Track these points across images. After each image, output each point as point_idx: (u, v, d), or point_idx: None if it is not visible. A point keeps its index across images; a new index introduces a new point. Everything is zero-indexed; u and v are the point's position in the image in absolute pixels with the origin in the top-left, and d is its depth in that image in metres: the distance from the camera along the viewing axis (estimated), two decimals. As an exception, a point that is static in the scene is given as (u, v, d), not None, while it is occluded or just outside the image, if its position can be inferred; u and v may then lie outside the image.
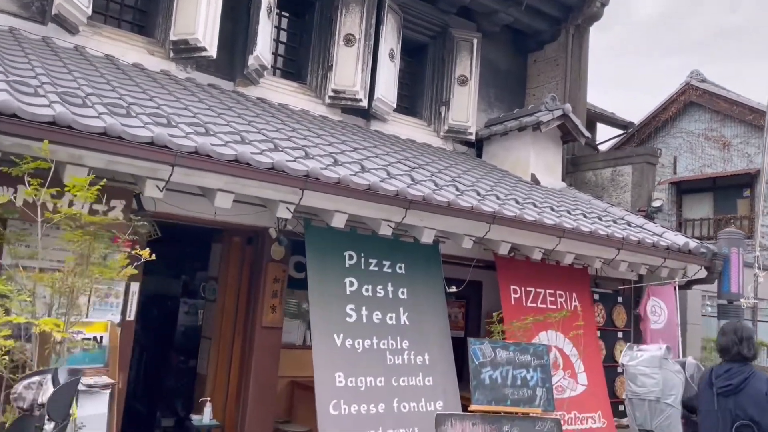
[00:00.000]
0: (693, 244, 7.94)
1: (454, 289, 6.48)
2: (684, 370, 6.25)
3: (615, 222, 7.90)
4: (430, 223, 5.78)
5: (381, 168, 5.89)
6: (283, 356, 6.30)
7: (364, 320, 5.49)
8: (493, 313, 5.94)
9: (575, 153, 10.18)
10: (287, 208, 4.86)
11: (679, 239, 7.91)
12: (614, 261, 7.48)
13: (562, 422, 6.71)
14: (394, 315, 5.71)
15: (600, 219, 7.75)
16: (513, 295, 6.84)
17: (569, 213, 7.39)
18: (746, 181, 16.59)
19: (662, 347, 5.85)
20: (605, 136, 17.28)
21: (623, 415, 7.46)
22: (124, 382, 4.74)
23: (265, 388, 5.42)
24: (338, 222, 5.21)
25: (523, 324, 5.91)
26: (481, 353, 4.63)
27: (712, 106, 17.35)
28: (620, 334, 8.36)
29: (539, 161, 9.32)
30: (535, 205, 7.05)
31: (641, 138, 19.04)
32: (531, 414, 4.57)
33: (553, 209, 7.22)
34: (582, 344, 7.26)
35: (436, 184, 6.20)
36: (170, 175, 4.12)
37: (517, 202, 6.87)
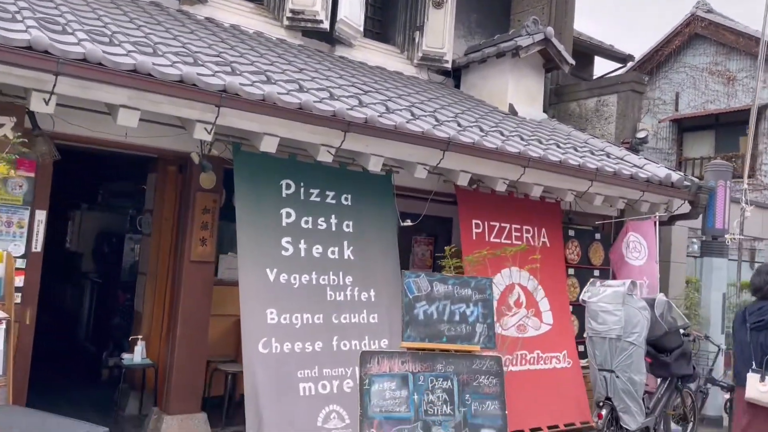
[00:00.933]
0: (676, 176, 7.43)
1: (409, 222, 6.04)
2: (653, 308, 5.87)
3: (592, 153, 7.37)
4: (376, 150, 5.29)
5: (323, 89, 5.37)
6: (228, 294, 5.96)
7: (302, 254, 5.09)
8: (445, 248, 5.51)
9: (560, 82, 9.54)
10: (205, 128, 4.38)
11: (660, 171, 7.39)
12: (588, 194, 7.00)
13: (522, 361, 6.43)
14: (336, 249, 5.30)
15: (576, 150, 7.22)
16: (475, 230, 6.41)
17: (540, 143, 6.86)
18: (749, 117, 15.83)
19: (626, 283, 5.44)
20: (604, 70, 16.46)
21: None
22: (33, 317, 4.39)
23: (195, 326, 5.07)
24: (268, 146, 4.74)
25: (475, 257, 5.48)
26: (416, 287, 4.23)
27: (717, 38, 16.44)
28: (597, 273, 7.95)
29: (518, 90, 8.71)
30: (502, 134, 6.53)
31: (643, 74, 18.19)
32: (469, 351, 4.19)
33: (522, 138, 6.69)
34: (549, 282, 6.87)
35: (387, 109, 5.68)
36: (54, 86, 3.64)
37: (481, 130, 6.35)
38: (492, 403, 4.15)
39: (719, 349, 6.99)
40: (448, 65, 9.08)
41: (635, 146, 8.19)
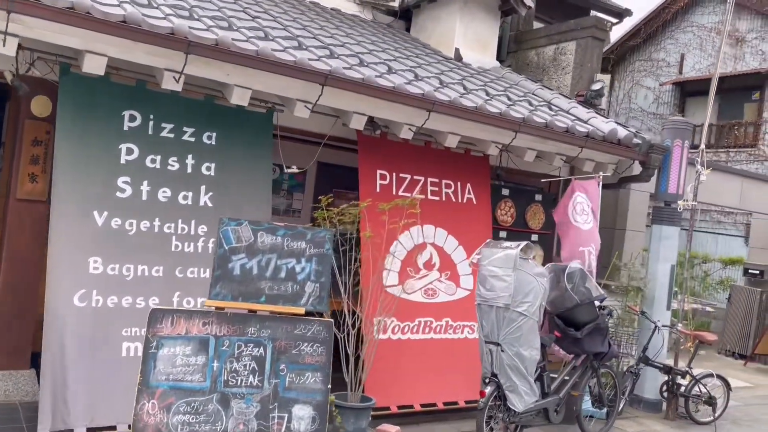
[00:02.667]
0: (623, 132, 6.61)
1: (295, 168, 5.39)
2: (563, 276, 5.18)
3: (530, 104, 6.57)
4: (241, 81, 4.60)
5: (182, 8, 4.66)
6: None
7: (144, 197, 4.47)
8: (320, 197, 4.85)
9: (521, 28, 8.66)
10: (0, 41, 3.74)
11: (605, 126, 6.57)
12: (518, 148, 6.26)
13: (426, 329, 5.80)
14: (190, 194, 4.66)
15: (509, 98, 6.44)
16: (380, 182, 5.71)
17: (465, 89, 6.09)
18: (757, 83, 14.71)
19: (520, 244, 4.73)
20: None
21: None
22: None
23: (21, 272, 4.52)
24: (92, 67, 4.08)
25: (344, 208, 4.81)
26: (235, 236, 3.59)
27: (728, -6, 15.16)
28: (535, 237, 7.23)
29: (468, 34, 7.88)
30: (417, 76, 5.77)
31: (647, 33, 17.03)
32: (293, 314, 3.57)
33: (442, 83, 5.94)
34: (472, 244, 6.17)
35: (266, 36, 4.97)
36: None
37: (390, 69, 5.61)
38: (313, 375, 3.53)
39: (655, 327, 6.27)
40: (395, 3, 8.28)
41: (590, 99, 7.35)
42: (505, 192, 6.94)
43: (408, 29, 8.61)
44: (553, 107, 6.85)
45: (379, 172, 5.72)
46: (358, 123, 5.26)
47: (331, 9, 7.82)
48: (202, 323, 3.41)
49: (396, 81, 5.19)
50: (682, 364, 6.69)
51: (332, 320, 3.65)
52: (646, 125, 17.12)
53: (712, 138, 15.56)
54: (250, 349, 3.45)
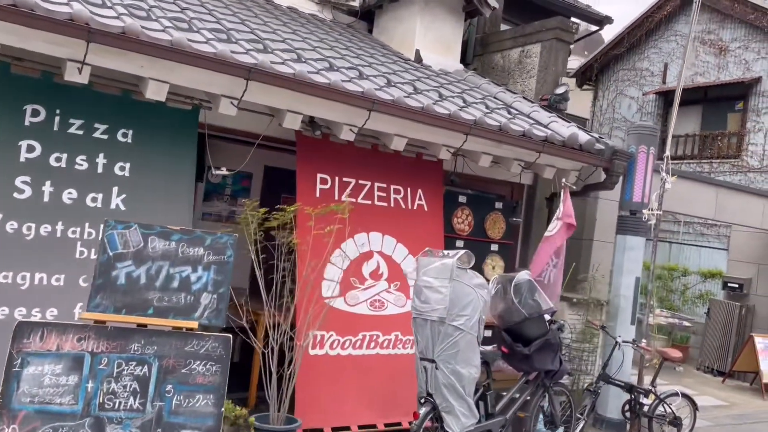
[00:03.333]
0: (584, 137, 6.28)
1: (224, 171, 5.03)
2: (509, 288, 4.82)
3: (487, 107, 6.25)
4: (157, 74, 4.26)
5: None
6: None
7: (46, 198, 4.11)
8: (245, 200, 4.50)
9: (487, 31, 8.36)
10: None
11: (566, 131, 6.25)
12: (473, 153, 5.93)
13: (371, 344, 5.43)
14: (100, 196, 4.30)
15: (464, 100, 6.11)
16: (320, 186, 5.36)
17: (415, 89, 5.76)
18: (740, 92, 14.43)
19: (458, 253, 4.37)
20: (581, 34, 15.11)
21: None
22: None
23: None
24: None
25: (268, 212, 4.44)
26: (121, 241, 3.23)
27: (712, 3, 14.92)
28: (495, 247, 6.88)
29: (429, 35, 7.57)
30: (362, 75, 5.44)
31: (631, 42, 16.78)
32: (185, 328, 3.21)
33: (389, 82, 5.61)
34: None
35: (191, 27, 4.63)
36: None
37: (331, 66, 5.27)
38: (205, 397, 3.16)
39: (616, 343, 5.91)
40: (356, 2, 7.97)
41: (554, 103, 7.03)
42: (462, 199, 6.60)
43: (371, 31, 8.30)
44: (512, 111, 6.52)
45: (319, 175, 5.37)
46: (292, 122, 4.91)
47: (287, 7, 7.51)
48: (77, 338, 3.04)
49: (333, 78, 4.85)
50: (662, 383, 6.33)
51: (230, 335, 3.28)
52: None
53: (695, 149, 15.29)
54: (131, 367, 3.08)
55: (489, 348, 4.98)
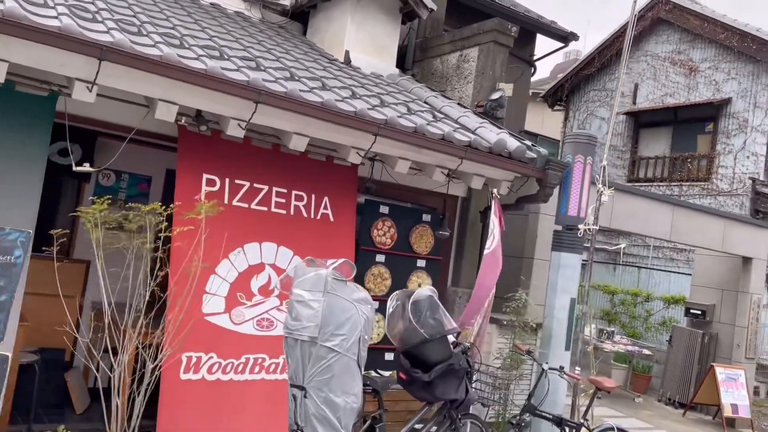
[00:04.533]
0: (515, 144, 5.76)
1: (87, 167, 4.45)
2: (407, 306, 4.25)
3: (409, 109, 5.74)
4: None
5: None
6: None
7: None
8: (92, 198, 3.92)
9: (428, 35, 7.90)
10: None
11: (493, 136, 5.73)
12: (389, 157, 5.41)
13: (256, 368, 4.83)
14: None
15: (382, 101, 5.60)
16: (207, 188, 4.80)
17: (323, 86, 5.24)
18: (710, 114, 14.08)
19: (336, 262, 3.80)
20: (548, 49, 14.76)
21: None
22: None
23: None
24: None
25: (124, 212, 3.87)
26: None
27: (682, 23, 14.68)
28: (422, 263, 6.32)
29: (361, 36, 7.09)
30: (259, 66, 4.93)
31: (602, 62, 16.48)
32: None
33: (292, 76, 5.09)
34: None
35: (45, 2, 4.10)
36: None
37: (222, 55, 4.75)
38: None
39: (543, 371, 5.32)
40: (287, 2, 7.51)
41: (489, 110, 6.53)
42: (384, 210, 6.05)
43: (306, 32, 7.83)
44: (437, 115, 6.02)
45: (206, 176, 4.81)
46: (167, 114, 4.35)
47: (210, 4, 7.03)
48: None
49: (213, 64, 4.32)
50: (617, 416, 5.73)
51: (8, 354, 2.69)
52: (599, 156, 16.44)
53: (665, 171, 14.89)
54: None
55: (387, 374, 4.39)
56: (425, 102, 6.47)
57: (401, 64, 7.86)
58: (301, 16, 7.80)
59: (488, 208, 6.41)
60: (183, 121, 4.65)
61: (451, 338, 4.44)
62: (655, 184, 14.86)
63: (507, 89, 6.66)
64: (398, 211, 6.13)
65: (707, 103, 13.95)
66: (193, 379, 4.44)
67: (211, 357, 4.54)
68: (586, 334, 10.26)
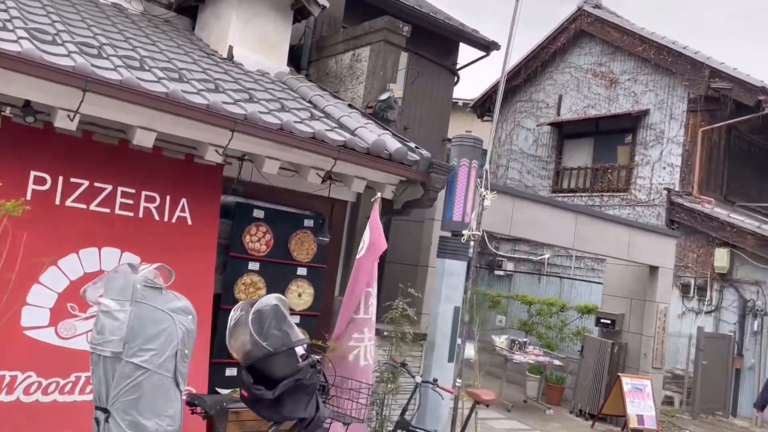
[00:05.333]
0: (395, 145, 5.47)
1: None
2: (248, 316, 3.86)
3: (284, 106, 5.39)
4: None
5: None
6: None
7: None
8: None
9: (324, 34, 7.58)
10: None
11: (371, 137, 5.43)
12: (257, 157, 5.03)
13: (87, 387, 4.33)
14: None
15: (252, 97, 5.23)
16: (34, 186, 4.31)
17: (180, 78, 4.83)
18: (629, 125, 14.25)
19: (149, 267, 3.38)
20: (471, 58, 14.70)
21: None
22: None
23: None
24: None
25: None
26: None
27: (603, 36, 14.87)
28: (302, 271, 5.94)
29: (247, 33, 6.71)
30: (101, 54, 4.48)
31: (528, 73, 16.57)
32: None
33: (143, 66, 4.66)
34: (183, 276, 4.81)
35: None
36: None
37: (54, 41, 4.29)
38: None
39: (416, 386, 5.00)
40: (172, -4, 7.08)
41: (379, 111, 6.24)
42: (259, 214, 5.65)
43: (195, 28, 7.40)
44: (317, 114, 5.69)
45: (34, 173, 4.33)
46: (-21, 102, 3.88)
47: (85, -5, 6.54)
48: None
49: (26, 46, 3.86)
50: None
51: None
52: (525, 167, 16.50)
53: (587, 181, 14.99)
54: None
55: (226, 392, 3.98)
56: (309, 101, 6.13)
57: (297, 63, 7.53)
58: (189, 11, 7.37)
59: (387, 212, 6.11)
60: (8, 111, 4.17)
61: (300, 350, 4.07)
62: (578, 194, 14.93)
63: (397, 90, 6.39)
64: (275, 216, 5.74)
65: (626, 115, 14.12)
66: (5, 401, 3.92)
67: (30, 376, 4.03)
68: (497, 344, 10.08)
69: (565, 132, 15.73)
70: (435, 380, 5.08)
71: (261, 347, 3.88)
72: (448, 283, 5.68)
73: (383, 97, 6.23)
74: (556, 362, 9.83)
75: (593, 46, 15.37)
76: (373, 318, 5.39)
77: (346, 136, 5.28)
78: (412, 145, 5.73)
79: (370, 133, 5.51)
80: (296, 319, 5.87)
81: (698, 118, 12.95)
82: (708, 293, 11.99)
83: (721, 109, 12.52)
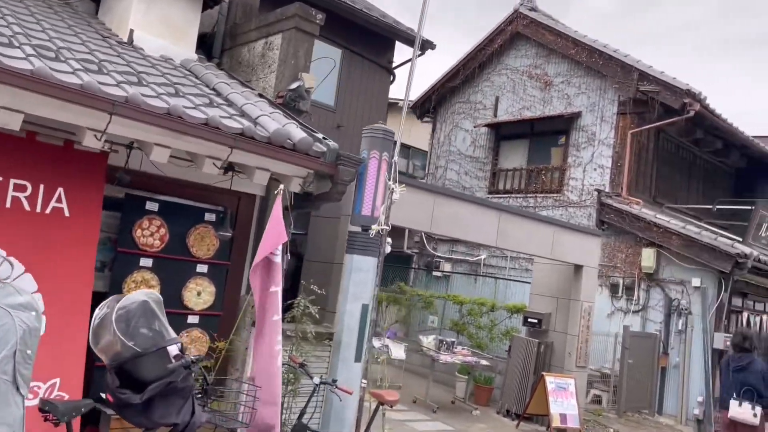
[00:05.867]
0: (299, 135, 5.20)
1: None
2: (113, 314, 3.52)
3: (178, 92, 5.05)
4: None
5: None
6: None
7: None
8: None
9: (239, 21, 7.26)
10: None
11: (273, 125, 5.15)
12: (145, 144, 4.67)
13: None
14: None
15: (142, 80, 4.87)
16: None
17: (57, 57, 4.45)
18: (563, 127, 14.37)
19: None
20: (407, 57, 14.63)
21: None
22: None
23: None
24: None
25: None
26: None
27: (538, 38, 14.99)
28: (203, 268, 5.60)
29: (152, 18, 6.34)
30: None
31: (466, 74, 16.57)
32: None
33: (12, 44, 4.26)
34: (54, 273, 4.43)
35: None
36: None
37: None
38: None
39: (315, 387, 4.74)
40: (70, -24, 6.63)
41: (289, 101, 5.97)
42: (152, 206, 5.28)
43: (98, 12, 6.98)
44: (218, 101, 5.37)
45: None
46: None
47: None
48: None
49: None
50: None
51: None
52: (463, 168, 16.47)
53: (522, 183, 15.05)
54: None
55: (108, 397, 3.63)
56: (213, 89, 5.81)
57: (209, 52, 7.18)
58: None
59: (286, 208, 5.81)
60: None
61: (174, 350, 3.75)
62: (513, 195, 14.99)
63: (309, 80, 6.12)
64: (172, 209, 5.39)
65: (559, 117, 14.24)
66: None
67: None
68: (424, 344, 9.91)
69: (502, 133, 15.79)
70: (334, 381, 4.82)
71: (128, 347, 3.54)
72: (356, 279, 5.45)
73: (293, 86, 5.96)
74: (483, 362, 9.73)
75: (529, 49, 15.48)
76: (272, 318, 5.10)
77: (245, 123, 4.98)
78: (320, 135, 5.47)
79: (273, 122, 5.23)
80: (195, 319, 5.55)
81: (628, 121, 13.15)
82: (636, 293, 12.15)
83: (649, 111, 12.74)
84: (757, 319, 13.20)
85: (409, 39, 13.32)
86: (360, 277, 5.46)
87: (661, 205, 13.71)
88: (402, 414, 8.85)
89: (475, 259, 15.02)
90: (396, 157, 5.44)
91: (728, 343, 9.21)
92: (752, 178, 16.50)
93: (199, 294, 5.55)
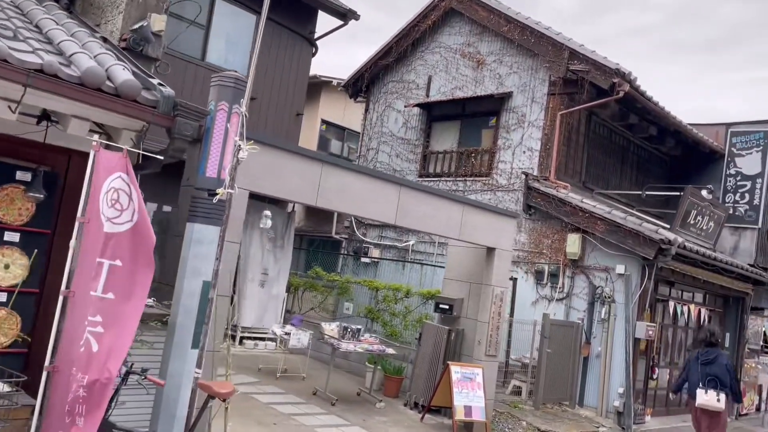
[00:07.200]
0: (125, 77, 4.34)
1: None
2: None
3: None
4: None
5: None
6: None
7: None
8: None
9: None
10: None
11: (86, 64, 4.28)
12: None
13: None
14: None
15: None
16: None
17: None
18: (494, 108, 13.77)
19: None
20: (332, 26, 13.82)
21: None
22: None
23: None
24: None
25: None
26: None
27: (471, 15, 14.33)
28: (14, 236, 4.71)
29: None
30: None
31: (399, 52, 15.83)
32: None
33: None
34: None
35: None
36: None
37: None
38: None
39: (122, 378, 3.92)
40: None
41: (133, 45, 5.10)
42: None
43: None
44: (26, 35, 4.46)
45: None
46: None
47: None
48: None
49: None
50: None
51: None
52: (395, 150, 15.76)
53: (452, 165, 14.42)
54: None
55: None
56: (36, 25, 4.90)
57: (60, -6, 6.23)
58: None
59: (135, 166, 4.94)
60: None
61: None
62: (443, 179, 14.35)
63: (158, 21, 5.26)
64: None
65: (490, 97, 13.63)
66: None
67: None
68: (326, 332, 9.16)
69: (434, 114, 15.12)
70: (144, 370, 4.02)
71: None
72: (196, 252, 4.64)
73: (136, 26, 5.09)
74: (390, 351, 9.05)
75: (462, 26, 14.82)
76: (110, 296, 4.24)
77: (47, 59, 4.10)
78: (155, 81, 4.62)
79: (90, 61, 4.36)
80: (2, 296, 4.66)
81: (558, 102, 12.61)
82: (561, 280, 11.66)
83: (579, 92, 12.22)
84: (684, 308, 12.92)
85: (330, 8, 12.53)
86: (201, 250, 4.65)
87: (591, 191, 13.27)
88: (296, 407, 8.11)
89: (403, 244, 14.35)
90: (245, 109, 4.64)
91: (697, 337, 9.78)
92: (688, 166, 16.26)
93: (7, 267, 4.65)
